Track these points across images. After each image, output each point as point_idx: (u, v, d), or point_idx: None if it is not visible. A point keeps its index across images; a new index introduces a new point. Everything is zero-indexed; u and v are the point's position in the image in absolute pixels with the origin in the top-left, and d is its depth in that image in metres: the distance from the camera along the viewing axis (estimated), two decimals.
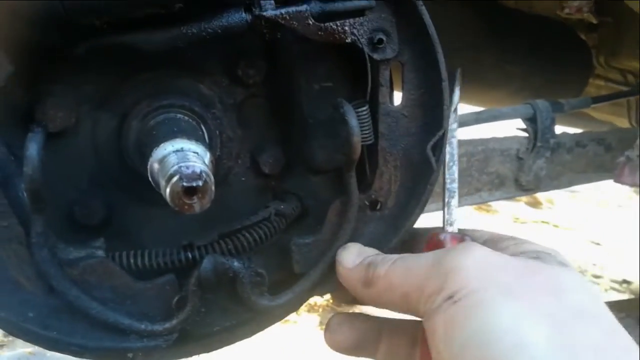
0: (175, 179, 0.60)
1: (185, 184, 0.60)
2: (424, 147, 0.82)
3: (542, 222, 4.39)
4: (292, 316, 2.58)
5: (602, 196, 4.90)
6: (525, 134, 1.61)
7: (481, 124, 1.48)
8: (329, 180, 0.89)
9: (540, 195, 4.72)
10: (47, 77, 0.73)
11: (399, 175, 0.84)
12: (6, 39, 0.63)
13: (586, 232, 4.22)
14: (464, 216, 3.70)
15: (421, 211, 0.85)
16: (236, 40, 0.78)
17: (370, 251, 0.78)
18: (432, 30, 0.77)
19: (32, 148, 0.63)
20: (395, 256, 0.73)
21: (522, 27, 2.23)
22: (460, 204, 1.56)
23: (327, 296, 2.72)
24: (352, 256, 0.78)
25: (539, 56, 2.25)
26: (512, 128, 1.68)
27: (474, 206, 4.18)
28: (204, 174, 0.61)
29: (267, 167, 0.88)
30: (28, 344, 1.90)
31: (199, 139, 0.70)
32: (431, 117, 0.82)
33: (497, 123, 1.63)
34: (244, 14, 0.71)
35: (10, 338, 2.07)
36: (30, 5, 0.59)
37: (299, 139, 0.87)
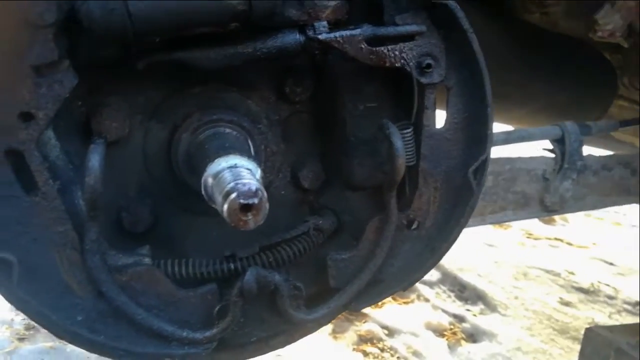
0: (232, 196, 0.61)
1: (242, 201, 0.61)
2: (465, 170, 0.83)
3: (556, 239, 4.37)
4: None
5: (616, 216, 4.87)
6: (552, 155, 1.61)
7: (510, 144, 1.49)
8: (366, 198, 0.90)
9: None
10: (104, 89, 0.76)
11: (439, 196, 0.84)
12: (74, 54, 0.66)
13: (600, 251, 4.19)
14: (478, 230, 3.69)
15: (459, 234, 0.86)
16: (286, 59, 0.80)
17: None
18: (480, 57, 0.79)
19: (94, 159, 0.65)
20: None
21: (547, 46, 2.23)
22: (485, 223, 1.57)
23: None
24: None
25: (563, 75, 2.25)
26: (538, 147, 1.68)
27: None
28: (259, 192, 0.63)
29: (307, 181, 0.89)
30: (48, 338, 1.91)
31: (250, 154, 0.72)
32: (474, 142, 0.83)
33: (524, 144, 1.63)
34: (298, 35, 0.73)
35: (32, 331, 2.10)
36: (103, 28, 0.62)
37: (339, 155, 0.88)
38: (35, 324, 1.92)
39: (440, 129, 0.84)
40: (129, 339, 0.74)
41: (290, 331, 0.86)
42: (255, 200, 0.62)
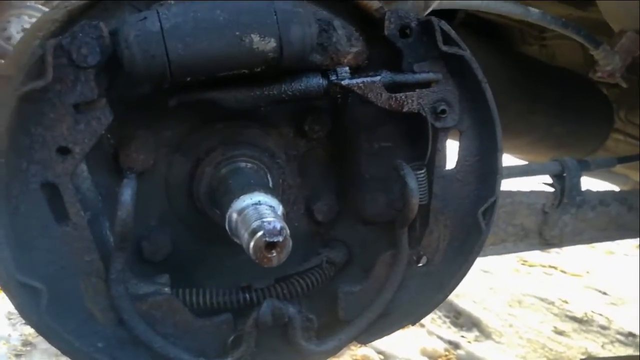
0: (259, 234, 0.64)
1: (268, 239, 0.64)
2: (475, 211, 0.86)
3: (550, 266, 4.40)
4: None
5: (609, 244, 4.90)
6: (551, 189, 1.65)
7: (511, 178, 1.53)
8: (377, 232, 0.93)
9: None
10: (133, 123, 0.79)
11: (448, 234, 0.88)
12: (110, 91, 0.69)
13: (593, 280, 4.22)
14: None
15: (467, 271, 0.89)
16: (308, 100, 0.84)
17: None
18: (492, 105, 0.83)
19: (127, 194, 0.68)
20: None
21: (546, 79, 2.29)
22: (485, 254, 1.60)
23: None
24: None
25: (562, 108, 2.30)
26: (538, 181, 1.72)
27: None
28: (284, 230, 0.65)
29: (320, 214, 0.93)
30: (45, 355, 1.90)
31: (272, 191, 0.75)
32: (484, 184, 0.87)
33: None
34: (321, 79, 0.76)
35: (29, 347, 2.09)
36: (143, 72, 0.65)
37: (353, 191, 0.91)
38: (32, 341, 1.91)
39: (452, 169, 0.87)
40: None
41: None
42: (280, 239, 0.65)
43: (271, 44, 0.68)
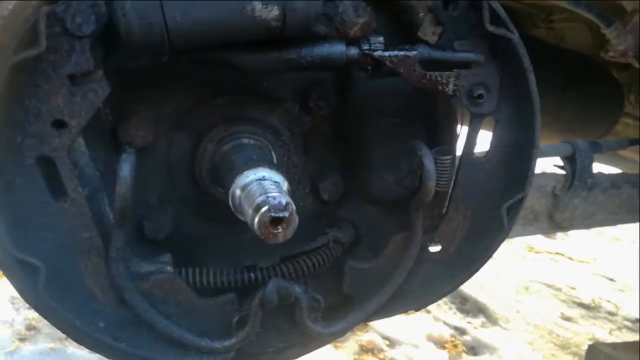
0: (264, 209, 0.62)
1: (273, 214, 0.62)
2: (499, 205, 0.81)
3: (557, 253, 4.37)
4: None
5: (616, 231, 4.87)
6: (562, 171, 1.62)
7: None
8: (385, 212, 0.90)
9: None
10: (132, 98, 0.76)
11: (467, 225, 0.83)
12: (107, 63, 0.66)
13: (600, 267, 4.19)
14: None
15: (481, 266, 0.85)
16: (311, 72, 0.80)
17: None
18: (535, 95, 0.77)
19: (126, 169, 0.66)
20: None
21: (555, 62, 2.24)
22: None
23: None
24: None
25: (571, 91, 2.26)
26: (549, 163, 1.69)
27: None
28: (289, 205, 0.63)
29: (326, 193, 0.90)
30: (49, 338, 1.90)
31: (277, 167, 0.72)
32: (513, 178, 0.82)
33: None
34: (344, 47, 0.72)
35: (32, 332, 2.09)
36: (141, 40, 0.62)
37: (360, 169, 0.89)
38: (36, 325, 1.90)
39: (481, 159, 0.82)
40: (149, 347, 0.75)
41: (306, 343, 0.87)
42: (286, 214, 0.63)
43: (274, 12, 0.64)
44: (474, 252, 0.84)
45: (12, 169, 0.65)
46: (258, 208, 0.62)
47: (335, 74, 0.83)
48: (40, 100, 0.64)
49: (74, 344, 2.03)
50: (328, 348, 2.50)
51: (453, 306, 3.08)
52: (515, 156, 0.82)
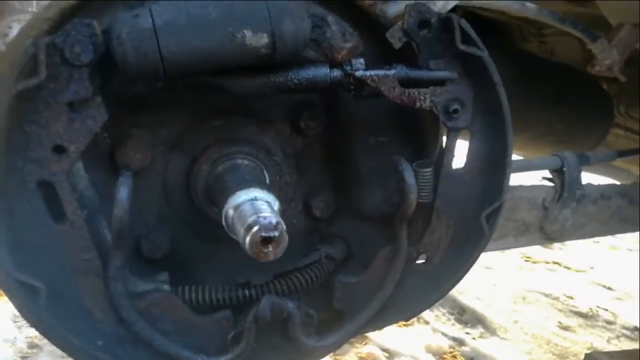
0: (254, 229, 0.64)
1: (264, 234, 0.64)
2: (479, 213, 0.85)
3: (554, 262, 4.38)
4: None
5: (612, 239, 4.88)
6: (551, 184, 1.64)
7: (512, 173, 1.53)
8: (375, 227, 0.93)
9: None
10: (129, 122, 0.79)
11: (450, 234, 0.87)
12: (105, 90, 0.69)
13: (597, 275, 4.20)
14: None
15: (465, 273, 0.88)
16: (303, 94, 0.84)
17: None
18: (506, 110, 0.81)
19: (123, 192, 0.68)
20: None
21: (545, 76, 2.28)
22: (486, 249, 1.60)
23: None
24: None
25: (561, 104, 2.29)
26: (538, 176, 1.72)
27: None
28: (279, 225, 0.66)
29: (318, 210, 0.93)
30: (51, 357, 1.91)
31: (269, 187, 0.75)
32: (490, 187, 0.85)
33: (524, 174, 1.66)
34: (328, 69, 0.76)
35: (35, 350, 2.10)
36: (136, 69, 0.65)
37: (350, 186, 0.92)
38: (38, 343, 1.92)
39: (459, 170, 0.86)
40: None
41: (300, 357, 0.89)
42: (276, 234, 0.65)
43: (264, 39, 0.68)
44: (458, 260, 0.87)
45: (14, 193, 0.68)
46: (249, 228, 0.65)
47: (324, 96, 0.86)
48: (41, 126, 0.67)
49: None
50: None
51: (451, 317, 3.09)
52: (491, 167, 0.85)
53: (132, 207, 0.83)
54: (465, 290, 3.31)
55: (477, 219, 0.85)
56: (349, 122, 0.87)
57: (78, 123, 0.67)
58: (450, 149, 0.83)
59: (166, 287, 0.78)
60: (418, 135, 0.89)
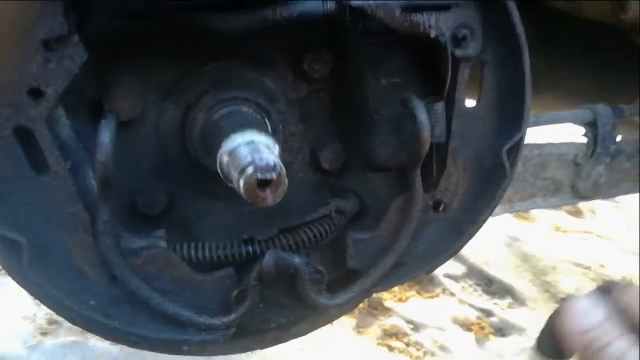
0: (249, 170, 0.58)
1: (260, 176, 0.58)
2: (498, 151, 0.78)
3: (585, 232, 4.25)
4: None
5: None
6: (583, 140, 1.54)
7: (540, 126, 1.43)
8: (390, 179, 0.86)
9: (582, 204, 4.57)
10: (116, 68, 0.73)
11: (468, 177, 0.80)
12: (83, 28, 0.63)
13: (629, 243, 4.06)
14: (503, 224, 3.61)
15: (488, 217, 0.81)
16: (304, 33, 0.76)
17: (601, 312, 0.65)
18: (520, 30, 0.74)
19: (105, 135, 0.63)
20: (621, 343, 0.61)
21: (573, 32, 2.16)
22: (513, 210, 1.51)
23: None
24: (580, 313, 0.65)
25: (590, 61, 2.18)
26: (569, 135, 1.62)
27: (513, 213, 4.07)
28: (277, 167, 0.59)
29: (327, 163, 0.86)
30: (71, 332, 1.91)
31: (263, 129, 0.69)
32: (509, 120, 0.78)
33: (554, 131, 1.57)
34: (320, 1, 0.69)
35: (54, 326, 2.11)
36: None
37: (361, 135, 0.84)
38: (58, 319, 1.92)
39: (474, 106, 0.79)
40: (143, 325, 0.72)
41: (312, 318, 0.83)
42: (274, 175, 0.59)
43: None
44: (479, 204, 0.80)
45: None
46: (244, 170, 0.59)
47: (328, 34, 0.78)
48: (14, 67, 0.61)
49: (96, 336, 2.05)
50: (351, 334, 2.47)
51: (478, 288, 3.01)
52: (508, 97, 0.78)
53: (127, 161, 0.78)
54: (492, 261, 3.22)
55: (496, 157, 0.77)
56: (358, 63, 0.79)
57: (54, 64, 0.61)
58: (462, 82, 0.75)
59: (162, 243, 0.73)
60: (434, 77, 0.81)
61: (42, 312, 2.16)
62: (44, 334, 2.09)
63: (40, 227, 0.66)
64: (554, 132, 1.63)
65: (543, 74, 2.31)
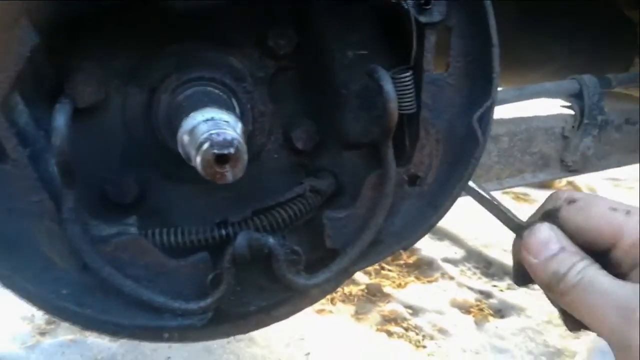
0: (205, 146, 0.57)
1: (216, 151, 0.57)
2: (469, 119, 0.76)
3: None
4: (328, 306, 2.55)
5: (634, 183, 4.69)
6: (570, 112, 1.53)
7: (523, 100, 1.41)
8: (365, 156, 0.84)
9: (582, 184, 4.55)
10: (75, 53, 0.72)
11: (441, 148, 0.78)
12: (32, 8, 0.62)
13: None
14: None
15: (463, 188, 0.80)
16: (267, 8, 0.75)
17: (557, 241, 0.67)
18: None
19: (60, 119, 0.61)
20: (582, 265, 0.64)
21: (563, 5, 2.14)
22: (502, 187, 1.50)
23: (363, 286, 2.68)
24: (538, 245, 0.68)
25: (581, 35, 2.15)
26: (556, 108, 1.60)
27: (512, 195, 4.06)
28: (235, 141, 0.58)
29: (300, 142, 0.84)
30: (69, 331, 1.91)
31: (230, 108, 0.67)
32: (479, 87, 0.76)
33: (540, 103, 1.55)
34: None
35: (52, 326, 2.11)
36: None
37: (332, 112, 0.83)
38: (54, 320, 1.91)
39: (442, 73, 0.77)
40: (118, 312, 0.71)
41: (293, 300, 0.82)
42: (232, 150, 0.57)
43: None
44: (454, 175, 0.78)
45: None
46: (200, 145, 0.57)
47: (292, 8, 0.77)
48: None
49: (94, 334, 2.05)
50: (350, 321, 2.47)
51: (477, 271, 3.00)
52: (476, 63, 0.76)
53: (94, 149, 0.76)
54: (491, 243, 3.21)
55: (468, 126, 0.76)
56: (323, 36, 0.78)
57: (2, 47, 0.60)
58: (428, 50, 0.73)
59: (133, 230, 0.72)
60: (401, 47, 0.79)
61: (40, 313, 2.16)
62: (42, 334, 2.10)
63: (5, 218, 0.65)
64: (541, 103, 1.61)
65: (532, 51, 2.29)
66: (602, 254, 0.66)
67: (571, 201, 0.69)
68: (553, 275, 0.66)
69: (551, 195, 0.73)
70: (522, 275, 0.73)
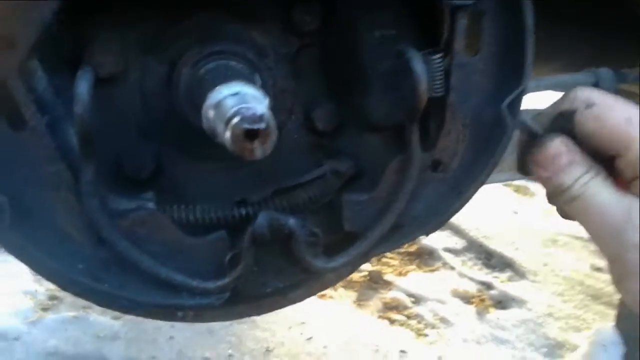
0: (235, 120, 0.55)
1: (247, 126, 0.55)
2: (498, 105, 0.74)
3: None
4: (330, 291, 2.55)
5: None
6: None
7: (540, 91, 1.39)
8: (387, 140, 0.83)
9: None
10: (93, 22, 0.70)
11: (467, 134, 0.76)
12: None
13: None
14: (502, 198, 3.59)
15: (488, 175, 0.78)
16: None
17: (566, 154, 0.68)
18: None
19: (82, 86, 0.59)
20: (587, 177, 0.67)
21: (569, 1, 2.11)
22: (516, 178, 1.48)
23: (364, 273, 2.68)
24: (547, 159, 0.69)
25: (589, 29, 2.13)
26: None
27: (511, 188, 4.05)
28: (265, 117, 0.56)
29: (321, 123, 0.83)
30: (72, 307, 1.90)
31: (256, 83, 0.65)
32: (510, 73, 0.74)
33: (552, 96, 1.53)
34: None
35: (55, 302, 2.10)
36: None
37: (356, 93, 0.81)
38: (59, 295, 1.91)
39: (473, 58, 0.74)
40: (134, 289, 0.70)
41: (309, 282, 0.80)
42: (262, 125, 0.55)
43: None
44: (479, 162, 0.76)
45: None
46: (229, 120, 0.55)
47: None
48: None
49: (97, 311, 2.04)
50: (352, 307, 2.47)
51: (478, 262, 3.00)
52: (508, 49, 0.74)
53: (111, 121, 0.74)
54: (492, 235, 3.20)
55: (497, 112, 0.74)
56: (350, 13, 0.76)
57: (23, 11, 0.58)
58: (460, 33, 0.71)
59: (151, 205, 0.70)
60: (431, 29, 0.77)
61: (43, 288, 2.16)
62: (44, 309, 2.09)
63: (21, 186, 0.63)
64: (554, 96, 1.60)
65: (541, 44, 2.26)
66: (610, 160, 0.67)
67: (589, 105, 0.68)
68: (559, 187, 0.68)
69: (569, 93, 0.72)
70: (524, 166, 0.75)
